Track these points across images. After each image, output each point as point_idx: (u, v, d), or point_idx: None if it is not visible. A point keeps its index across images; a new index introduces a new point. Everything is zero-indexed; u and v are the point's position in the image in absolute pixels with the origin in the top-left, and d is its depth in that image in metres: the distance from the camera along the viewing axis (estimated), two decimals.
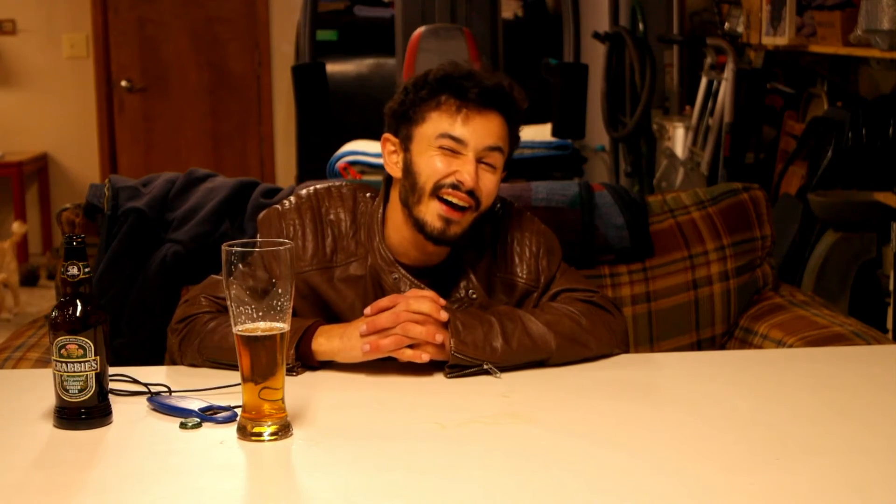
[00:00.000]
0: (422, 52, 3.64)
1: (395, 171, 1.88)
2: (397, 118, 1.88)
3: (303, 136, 4.30)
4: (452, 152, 1.81)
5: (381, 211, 1.90)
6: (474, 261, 1.91)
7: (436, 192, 1.81)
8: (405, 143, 1.86)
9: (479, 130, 1.81)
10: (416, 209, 1.82)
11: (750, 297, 2.37)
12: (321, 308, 1.88)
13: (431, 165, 1.81)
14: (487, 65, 1.93)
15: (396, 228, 1.88)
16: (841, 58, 3.76)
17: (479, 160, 1.81)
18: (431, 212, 1.81)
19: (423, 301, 1.74)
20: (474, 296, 1.89)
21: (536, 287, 1.93)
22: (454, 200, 1.80)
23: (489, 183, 1.82)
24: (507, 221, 1.96)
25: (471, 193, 1.80)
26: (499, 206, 1.98)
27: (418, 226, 1.82)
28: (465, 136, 1.80)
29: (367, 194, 1.94)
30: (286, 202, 1.93)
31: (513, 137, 1.88)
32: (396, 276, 1.87)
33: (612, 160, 5.51)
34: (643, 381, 1.79)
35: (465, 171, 1.79)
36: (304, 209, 1.91)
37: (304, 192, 1.95)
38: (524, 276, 1.93)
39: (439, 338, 1.72)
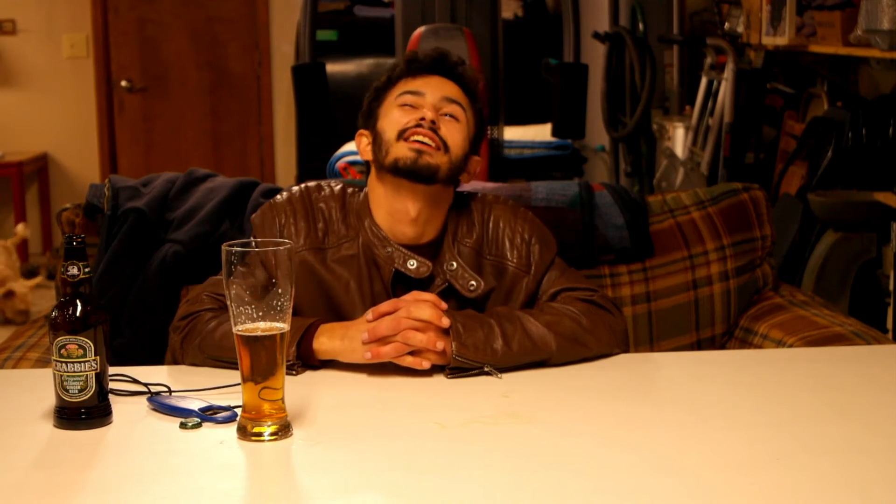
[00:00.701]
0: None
1: (368, 153, 1.96)
2: (365, 116, 1.98)
3: (303, 136, 4.30)
4: (412, 107, 1.89)
5: (368, 198, 1.94)
6: (461, 240, 1.94)
7: (401, 137, 1.87)
8: (373, 126, 1.95)
9: (435, 84, 1.92)
10: (386, 159, 1.88)
11: (750, 297, 2.37)
12: (317, 289, 1.89)
13: (393, 119, 1.90)
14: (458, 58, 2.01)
15: (380, 205, 1.92)
16: (841, 58, 3.76)
17: (438, 110, 1.89)
18: (401, 149, 1.87)
19: (423, 307, 1.74)
20: (453, 266, 1.90)
21: (527, 273, 1.94)
22: (420, 138, 1.86)
23: (453, 129, 1.90)
24: (498, 207, 1.99)
25: (435, 132, 1.86)
26: (469, 195, 2.01)
27: (393, 169, 1.86)
28: (421, 88, 1.91)
29: (355, 188, 1.99)
30: (277, 197, 1.98)
31: (474, 112, 1.95)
32: (389, 249, 1.88)
33: (612, 160, 5.51)
34: (643, 381, 1.79)
35: (425, 110, 1.88)
36: (295, 200, 1.95)
37: (294, 188, 2.00)
38: (514, 261, 1.94)
39: (440, 345, 1.72)
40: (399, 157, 1.85)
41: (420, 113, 1.88)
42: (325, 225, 1.93)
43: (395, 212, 1.90)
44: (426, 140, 1.85)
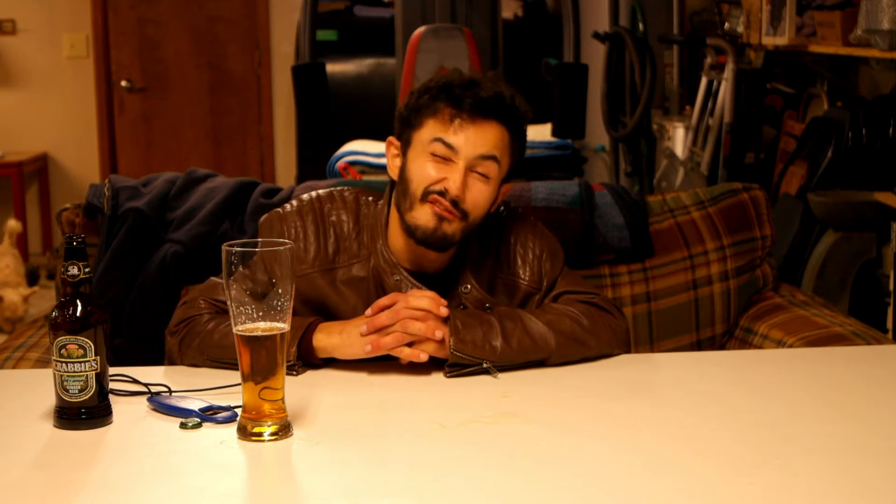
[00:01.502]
0: (422, 53, 3.63)
1: (395, 173, 1.89)
2: (402, 122, 1.88)
3: (303, 136, 4.30)
4: (444, 159, 1.80)
5: (385, 213, 1.90)
6: (477, 263, 1.91)
7: (425, 198, 1.81)
8: (405, 147, 1.87)
9: (472, 139, 1.80)
10: (408, 215, 1.82)
11: (750, 297, 2.37)
12: (324, 312, 1.87)
13: (423, 171, 1.81)
14: (495, 74, 1.91)
15: (397, 233, 1.88)
16: (841, 58, 3.76)
17: (470, 169, 1.80)
18: (423, 214, 1.80)
19: (422, 298, 1.74)
20: (468, 288, 1.88)
21: (538, 289, 1.93)
22: (439, 211, 1.80)
23: (478, 193, 1.81)
24: (510, 224, 1.96)
25: (455, 204, 1.79)
26: (503, 208, 1.98)
27: (410, 231, 1.82)
28: (456, 144, 1.80)
29: (370, 198, 1.94)
30: (287, 206, 1.93)
31: (515, 148, 1.86)
32: (398, 277, 1.86)
33: (612, 160, 5.51)
34: (643, 381, 1.79)
35: (452, 178, 1.79)
36: (306, 211, 1.91)
37: (305, 196, 1.95)
38: (526, 278, 1.93)
39: (439, 334, 1.73)
40: (419, 226, 1.80)
41: (448, 175, 1.79)
42: (336, 241, 1.89)
43: (410, 248, 1.86)
44: (446, 210, 1.79)
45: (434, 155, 1.81)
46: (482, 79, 1.85)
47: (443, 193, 1.79)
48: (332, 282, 1.88)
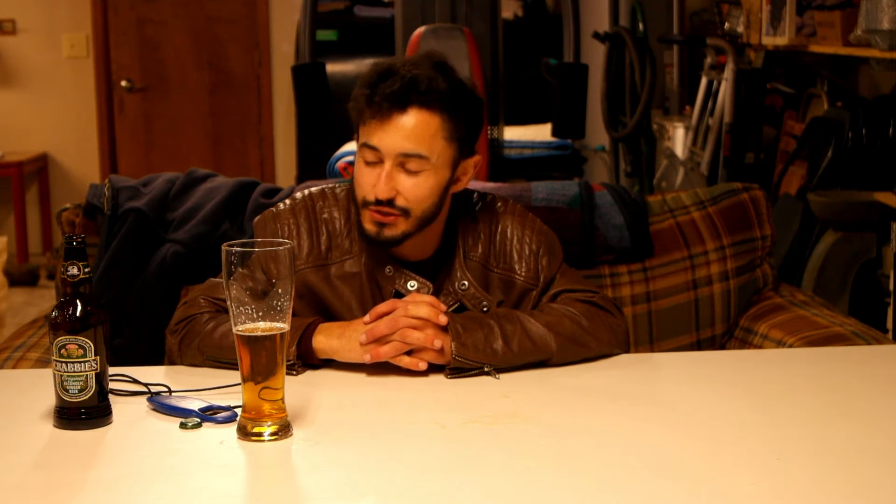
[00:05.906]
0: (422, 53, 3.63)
1: None
2: (352, 117, 1.87)
3: (303, 135, 4.30)
4: (374, 163, 1.80)
5: None
6: (469, 254, 1.91)
7: (365, 206, 1.82)
8: (358, 144, 1.87)
9: (392, 137, 1.77)
10: (360, 218, 1.84)
11: (750, 297, 2.37)
12: (318, 307, 1.88)
13: (359, 179, 1.82)
14: (423, 55, 1.85)
15: None
16: (841, 58, 3.76)
17: (401, 166, 1.79)
18: (366, 219, 1.82)
19: (421, 306, 1.74)
20: (465, 285, 1.88)
21: (535, 286, 1.93)
22: (378, 218, 1.80)
23: (414, 188, 1.79)
24: (507, 218, 1.95)
25: (391, 204, 1.79)
26: (478, 201, 1.96)
27: (364, 232, 1.83)
28: (379, 145, 1.78)
29: None
30: (280, 205, 1.94)
31: (455, 126, 1.80)
32: (391, 269, 1.87)
33: (612, 160, 5.51)
34: (643, 381, 1.79)
35: (379, 184, 1.78)
36: (299, 209, 1.91)
37: (298, 194, 1.96)
38: (523, 274, 1.93)
39: (438, 343, 1.72)
40: (366, 229, 1.82)
41: (376, 181, 1.78)
42: (328, 238, 1.90)
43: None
44: (382, 215, 1.80)
45: (365, 161, 1.81)
46: (399, 65, 1.80)
47: (378, 201, 1.79)
48: (326, 277, 1.88)
